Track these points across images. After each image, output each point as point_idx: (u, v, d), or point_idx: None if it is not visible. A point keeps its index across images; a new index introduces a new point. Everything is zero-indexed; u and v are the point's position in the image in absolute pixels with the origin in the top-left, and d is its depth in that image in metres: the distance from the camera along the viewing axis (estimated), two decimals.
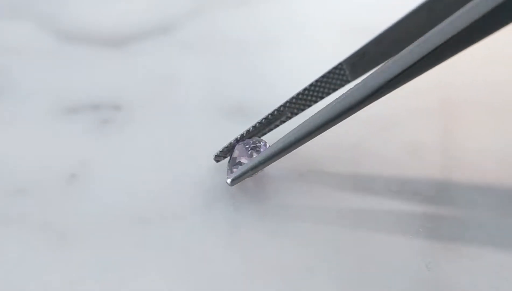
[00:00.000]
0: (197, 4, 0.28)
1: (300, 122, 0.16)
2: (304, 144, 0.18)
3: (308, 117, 0.16)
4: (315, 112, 0.16)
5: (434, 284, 0.16)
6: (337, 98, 0.16)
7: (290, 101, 0.19)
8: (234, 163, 0.18)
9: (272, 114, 0.19)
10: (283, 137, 0.17)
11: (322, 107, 0.16)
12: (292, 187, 0.18)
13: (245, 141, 0.18)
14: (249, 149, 0.18)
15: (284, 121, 0.19)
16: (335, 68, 0.19)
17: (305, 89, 0.19)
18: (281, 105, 0.19)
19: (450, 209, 0.18)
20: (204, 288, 0.16)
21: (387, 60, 0.15)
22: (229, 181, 0.17)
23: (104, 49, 0.25)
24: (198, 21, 0.27)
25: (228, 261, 0.16)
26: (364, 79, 0.15)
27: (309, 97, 0.19)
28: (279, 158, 0.17)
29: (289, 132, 0.16)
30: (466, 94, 0.21)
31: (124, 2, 0.28)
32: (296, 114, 0.19)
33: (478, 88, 0.20)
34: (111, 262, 0.16)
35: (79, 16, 0.27)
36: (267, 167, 0.18)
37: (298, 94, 0.19)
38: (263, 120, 0.19)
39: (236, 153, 0.18)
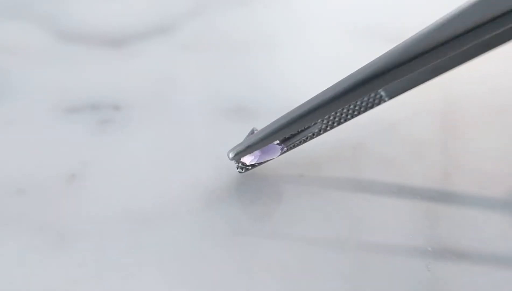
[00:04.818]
0: (197, 4, 0.28)
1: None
2: (304, 145, 0.18)
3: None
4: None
5: (434, 284, 0.16)
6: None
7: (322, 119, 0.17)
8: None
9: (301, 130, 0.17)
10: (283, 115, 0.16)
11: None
12: (292, 188, 0.18)
13: None
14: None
15: (309, 139, 0.18)
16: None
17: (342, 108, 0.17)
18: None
19: (450, 209, 0.18)
20: (204, 288, 0.16)
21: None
22: (231, 155, 0.17)
23: (104, 49, 0.25)
24: (198, 21, 0.27)
25: (228, 261, 0.16)
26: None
27: (343, 115, 0.18)
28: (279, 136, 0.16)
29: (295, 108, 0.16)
30: (467, 95, 0.21)
31: (123, 2, 0.28)
32: (326, 131, 0.18)
33: (479, 88, 0.20)
34: (111, 262, 0.16)
35: (79, 16, 0.27)
36: (267, 169, 0.18)
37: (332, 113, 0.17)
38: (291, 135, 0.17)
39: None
